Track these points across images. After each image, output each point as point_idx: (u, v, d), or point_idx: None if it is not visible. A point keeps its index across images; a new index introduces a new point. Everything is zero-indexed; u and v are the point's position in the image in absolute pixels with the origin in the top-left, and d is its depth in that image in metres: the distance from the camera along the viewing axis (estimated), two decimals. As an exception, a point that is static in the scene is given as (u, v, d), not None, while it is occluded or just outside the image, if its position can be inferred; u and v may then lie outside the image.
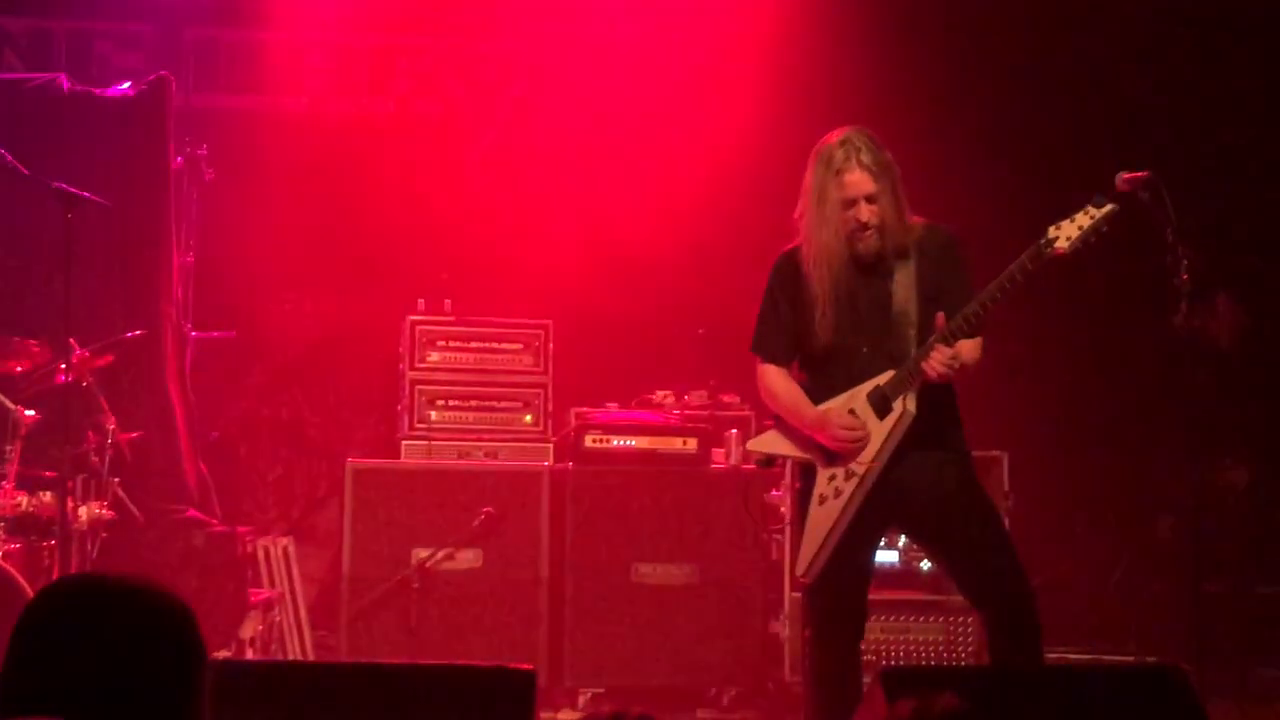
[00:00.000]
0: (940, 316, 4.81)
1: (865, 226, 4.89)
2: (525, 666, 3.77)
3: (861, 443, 4.88)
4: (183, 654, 2.28)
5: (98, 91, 7.97)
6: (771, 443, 5.19)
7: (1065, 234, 4.73)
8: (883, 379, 4.90)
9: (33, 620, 2.26)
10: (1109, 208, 4.73)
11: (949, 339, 4.78)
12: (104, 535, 6.65)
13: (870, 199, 4.88)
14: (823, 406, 4.98)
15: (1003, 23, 8.90)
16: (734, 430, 7.58)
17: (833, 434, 4.90)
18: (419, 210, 8.80)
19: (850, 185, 4.88)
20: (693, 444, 7.48)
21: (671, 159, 8.85)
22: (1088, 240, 4.71)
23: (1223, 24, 8.91)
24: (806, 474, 5.06)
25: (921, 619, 7.26)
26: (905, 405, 4.86)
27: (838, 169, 4.89)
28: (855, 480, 4.89)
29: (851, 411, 4.92)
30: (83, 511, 6.54)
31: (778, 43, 8.82)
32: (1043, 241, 4.76)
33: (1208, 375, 7.29)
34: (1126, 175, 5.03)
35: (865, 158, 4.88)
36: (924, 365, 4.79)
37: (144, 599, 2.29)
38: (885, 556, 7.01)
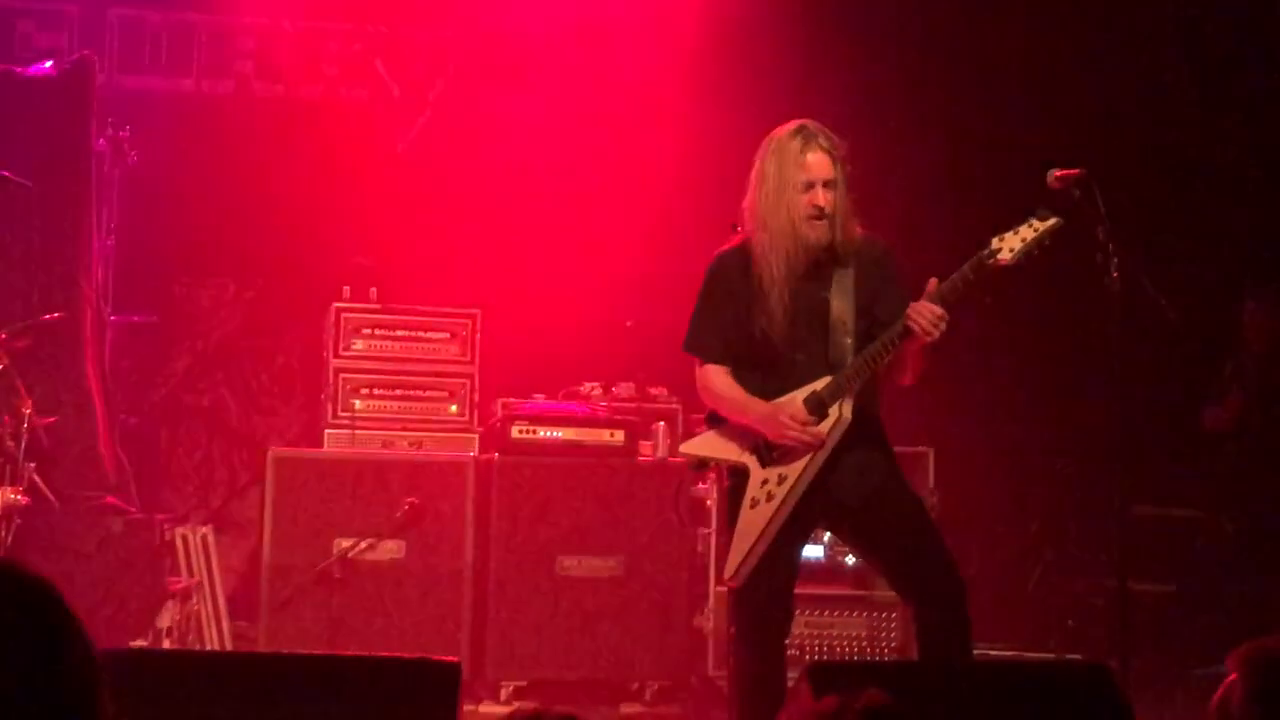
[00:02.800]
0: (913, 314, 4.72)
1: (820, 213, 4.82)
2: (449, 658, 3.72)
3: (813, 438, 4.80)
4: (53, 645, 1.96)
5: (18, 70, 7.84)
6: (705, 446, 5.11)
7: (1009, 245, 4.69)
8: (819, 384, 4.85)
9: None
10: (1053, 221, 4.69)
11: (891, 343, 4.76)
12: (18, 521, 6.54)
13: (828, 184, 4.83)
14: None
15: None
16: (661, 423, 7.55)
17: (783, 422, 4.81)
18: (345, 197, 8.72)
19: (813, 165, 4.83)
20: (620, 436, 7.44)
21: (600, 150, 8.81)
22: (1031, 253, 4.68)
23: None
24: (736, 474, 4.99)
25: (846, 614, 7.26)
26: (842, 411, 4.82)
27: (798, 150, 4.83)
28: (788, 485, 4.84)
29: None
30: (-4, 496, 6.44)
31: (711, 39, 8.80)
32: (985, 252, 4.72)
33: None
34: (1059, 172, 5.02)
35: (824, 142, 4.85)
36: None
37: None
38: (810, 551, 7.01)
